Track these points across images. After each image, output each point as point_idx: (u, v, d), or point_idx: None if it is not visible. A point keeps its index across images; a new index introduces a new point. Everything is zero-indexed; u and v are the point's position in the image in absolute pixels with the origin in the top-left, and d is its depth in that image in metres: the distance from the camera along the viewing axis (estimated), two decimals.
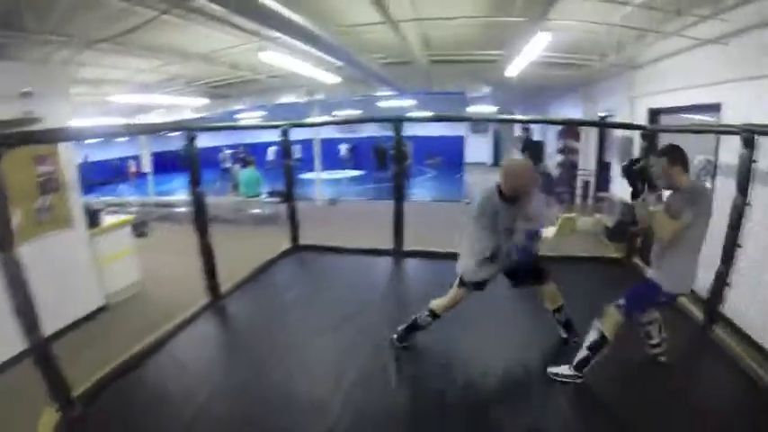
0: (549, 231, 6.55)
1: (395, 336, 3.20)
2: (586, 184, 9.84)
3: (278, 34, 4.36)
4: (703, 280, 3.01)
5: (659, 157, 2.62)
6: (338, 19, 5.45)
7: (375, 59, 7.28)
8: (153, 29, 4.65)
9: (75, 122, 5.52)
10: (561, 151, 11.99)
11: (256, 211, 9.55)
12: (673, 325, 3.04)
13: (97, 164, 18.24)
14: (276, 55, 5.70)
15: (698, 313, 3.51)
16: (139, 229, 8.06)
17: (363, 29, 5.85)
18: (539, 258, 3.34)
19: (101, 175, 17.97)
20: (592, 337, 2.68)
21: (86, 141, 14.85)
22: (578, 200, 9.94)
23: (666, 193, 2.70)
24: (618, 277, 4.74)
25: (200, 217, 4.03)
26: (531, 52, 5.42)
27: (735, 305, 3.65)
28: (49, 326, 2.50)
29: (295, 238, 5.58)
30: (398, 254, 5.12)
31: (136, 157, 17.56)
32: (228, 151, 19.98)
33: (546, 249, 5.84)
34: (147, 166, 12.41)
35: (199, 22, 4.85)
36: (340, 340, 3.36)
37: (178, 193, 12.13)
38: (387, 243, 5.19)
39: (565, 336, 3.22)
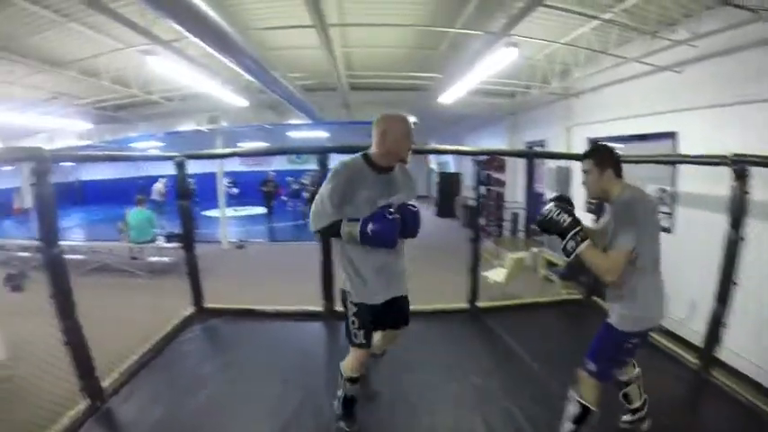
0: (498, 275, 5.94)
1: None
2: (515, 216, 9.57)
3: (173, 33, 3.32)
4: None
5: (583, 159, 2.10)
6: (257, 24, 4.60)
7: (293, 79, 6.38)
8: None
9: None
10: (483, 183, 11.88)
11: (153, 258, 7.76)
12: (664, 373, 2.94)
13: None
14: (167, 62, 4.49)
15: (692, 359, 3.17)
16: (15, 280, 6.57)
17: (285, 45, 5.22)
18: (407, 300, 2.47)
19: None
20: (571, 409, 2.15)
21: None
22: (507, 233, 9.61)
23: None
24: (582, 320, 4.27)
25: (60, 289, 2.51)
26: (483, 72, 4.94)
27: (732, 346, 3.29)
28: None
29: (198, 299, 4.23)
30: (331, 316, 4.09)
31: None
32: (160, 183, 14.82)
33: (498, 295, 5.26)
34: (28, 200, 10.14)
35: (71, 16, 3.92)
36: None
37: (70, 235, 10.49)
38: (314, 298, 4.15)
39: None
